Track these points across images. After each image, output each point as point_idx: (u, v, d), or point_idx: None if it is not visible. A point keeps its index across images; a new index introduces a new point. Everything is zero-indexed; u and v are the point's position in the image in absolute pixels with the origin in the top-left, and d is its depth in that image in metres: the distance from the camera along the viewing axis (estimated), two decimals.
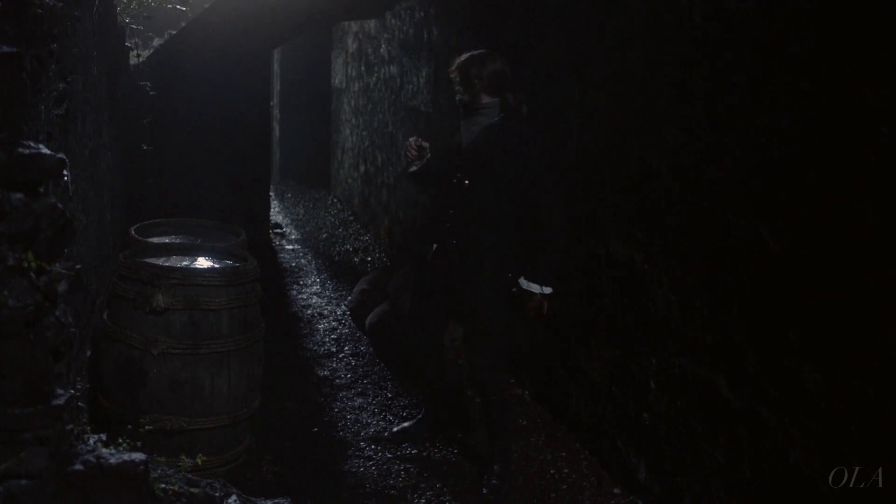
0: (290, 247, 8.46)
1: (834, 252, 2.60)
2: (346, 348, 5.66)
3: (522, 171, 3.69)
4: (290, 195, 11.12)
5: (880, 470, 2.42)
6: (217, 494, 2.09)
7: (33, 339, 1.73)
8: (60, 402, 1.76)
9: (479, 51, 3.88)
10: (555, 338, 4.54)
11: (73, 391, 1.94)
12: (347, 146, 9.97)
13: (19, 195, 1.77)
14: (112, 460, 1.81)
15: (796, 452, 2.75)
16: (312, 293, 6.92)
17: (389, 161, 8.05)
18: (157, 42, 7.66)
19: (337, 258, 8.09)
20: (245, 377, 3.75)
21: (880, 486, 2.42)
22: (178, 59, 6.65)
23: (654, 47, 3.54)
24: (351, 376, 5.19)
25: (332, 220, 9.65)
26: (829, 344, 2.62)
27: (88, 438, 2.19)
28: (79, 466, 1.78)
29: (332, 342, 5.77)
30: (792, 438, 2.77)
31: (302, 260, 7.99)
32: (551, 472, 4.05)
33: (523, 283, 3.72)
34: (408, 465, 4.10)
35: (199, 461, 3.38)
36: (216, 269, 3.78)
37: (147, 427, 3.50)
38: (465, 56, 3.84)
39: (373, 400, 4.86)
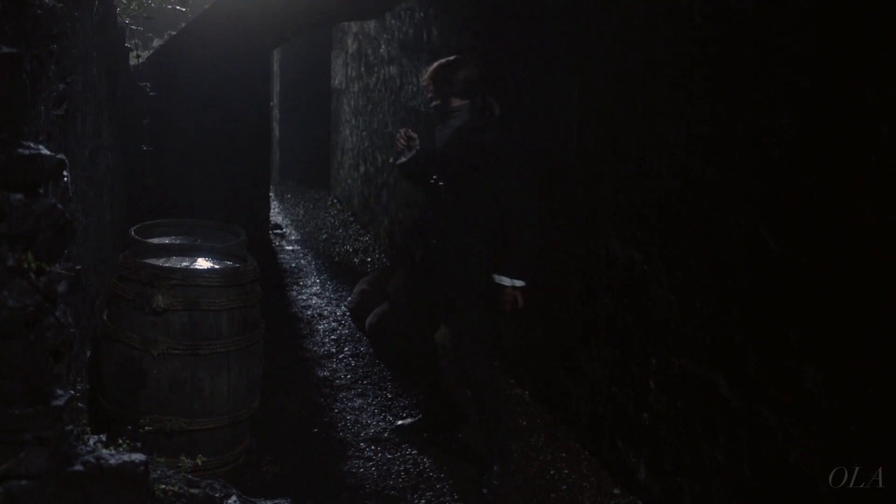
0: (290, 247, 8.46)
1: (834, 252, 2.60)
2: (346, 349, 5.66)
3: (489, 169, 3.78)
4: (289, 195, 11.12)
5: (880, 470, 2.42)
6: (217, 495, 2.09)
7: (33, 339, 1.73)
8: (60, 402, 1.76)
9: (449, 57, 4.02)
10: (555, 338, 4.54)
11: (72, 392, 1.94)
12: (347, 147, 9.97)
13: (19, 196, 1.77)
14: (112, 461, 1.81)
15: (796, 452, 2.75)
16: (312, 294, 6.92)
17: (389, 161, 8.05)
18: (156, 43, 7.66)
19: (337, 259, 8.09)
20: (245, 378, 3.75)
21: (880, 486, 2.42)
22: (178, 60, 6.65)
23: (654, 47, 3.54)
24: (351, 377, 5.19)
25: (332, 220, 9.65)
26: (829, 344, 2.62)
27: (88, 439, 2.19)
28: (79, 467, 1.78)
29: (332, 343, 5.77)
30: (792, 438, 2.77)
31: (302, 260, 7.99)
32: (551, 472, 4.05)
33: (496, 277, 3.82)
34: (408, 466, 4.10)
35: (199, 462, 3.38)
36: (216, 269, 3.78)
37: (147, 427, 3.50)
38: (435, 64, 3.99)
39: (373, 400, 4.86)
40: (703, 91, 3.21)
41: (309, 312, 6.41)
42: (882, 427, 2.43)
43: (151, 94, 6.32)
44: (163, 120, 6.43)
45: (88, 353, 3.77)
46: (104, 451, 1.88)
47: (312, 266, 7.81)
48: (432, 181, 3.93)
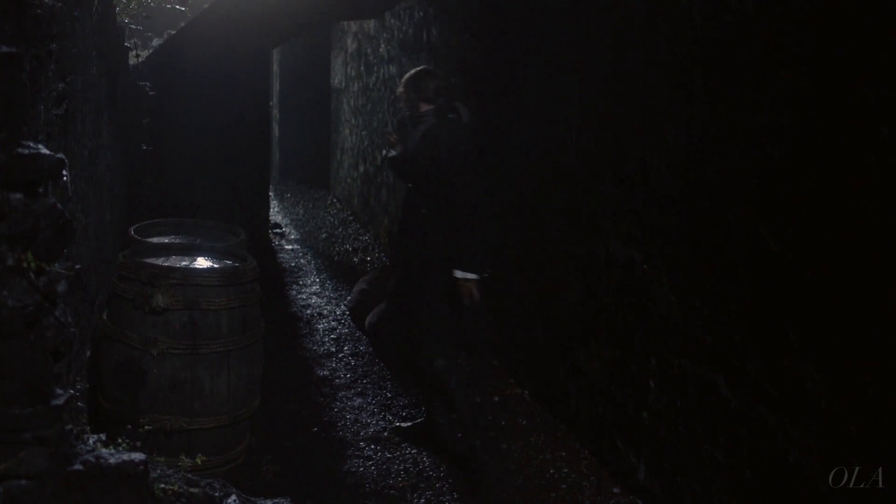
0: (290, 247, 8.46)
1: (834, 252, 2.60)
2: (346, 348, 5.66)
3: (445, 169, 3.98)
4: (289, 195, 11.12)
5: (880, 470, 2.42)
6: (217, 494, 2.09)
7: (33, 339, 1.73)
8: (60, 402, 1.76)
9: (418, 68, 4.42)
10: (555, 338, 4.54)
11: (72, 391, 1.94)
12: (347, 146, 9.97)
13: (18, 195, 1.77)
14: (112, 460, 1.81)
15: (796, 452, 2.75)
16: (312, 293, 6.92)
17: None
18: (156, 42, 7.66)
19: (336, 258, 8.09)
20: (244, 377, 3.75)
21: (880, 486, 2.42)
22: (178, 59, 6.65)
23: (654, 47, 3.54)
24: (350, 376, 5.19)
25: (332, 219, 9.65)
26: (829, 344, 2.62)
27: (88, 438, 2.19)
28: (78, 466, 1.78)
29: (332, 342, 5.77)
30: (792, 438, 2.77)
31: (301, 260, 7.99)
32: (551, 471, 4.05)
33: (455, 272, 4.02)
34: (407, 465, 4.10)
35: (198, 461, 3.38)
36: (216, 269, 3.78)
37: (147, 427, 3.50)
38: (406, 75, 4.29)
39: (372, 400, 4.86)
40: (703, 91, 3.21)
41: (308, 312, 6.41)
42: (882, 427, 2.44)
43: (151, 93, 6.32)
44: (162, 119, 6.43)
45: (88, 353, 3.76)
46: (104, 450, 1.88)
47: (312, 265, 7.81)
48: (406, 184, 4.25)
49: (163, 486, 2.00)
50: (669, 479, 3.50)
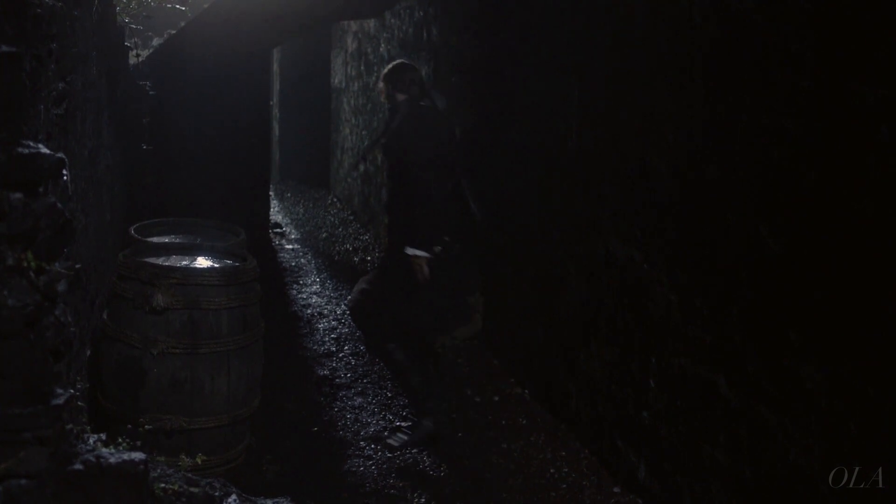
0: (290, 246, 8.46)
1: (834, 252, 2.60)
2: (346, 348, 5.66)
3: (401, 154, 4.28)
4: (289, 195, 11.12)
5: (880, 470, 2.42)
6: (217, 494, 2.09)
7: (33, 338, 1.73)
8: (60, 401, 1.76)
9: (395, 62, 4.61)
10: (555, 337, 4.54)
11: (72, 391, 1.94)
12: (347, 146, 9.97)
13: (19, 195, 1.77)
14: (112, 460, 1.81)
15: (796, 452, 2.75)
16: (312, 293, 6.92)
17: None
18: (156, 42, 7.66)
19: (337, 257, 8.09)
20: (245, 377, 3.75)
21: (880, 486, 2.42)
22: (178, 59, 6.65)
23: (654, 47, 3.54)
24: (351, 376, 5.19)
25: (332, 219, 9.65)
26: (829, 344, 2.62)
27: (88, 438, 2.19)
28: (79, 466, 1.78)
29: (332, 341, 5.77)
30: (792, 438, 2.77)
31: (302, 259, 7.99)
32: (551, 471, 4.05)
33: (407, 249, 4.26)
34: (408, 464, 4.10)
35: (198, 460, 3.38)
36: (216, 268, 3.78)
37: (147, 426, 3.50)
38: (384, 70, 4.54)
39: (372, 399, 4.86)
40: (703, 91, 3.21)
41: (309, 311, 6.41)
42: (882, 427, 2.44)
43: (151, 93, 6.32)
44: (162, 119, 6.43)
45: (88, 353, 3.76)
46: (104, 450, 1.88)
47: (312, 265, 7.81)
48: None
49: (163, 485, 2.01)
50: (669, 478, 3.50)
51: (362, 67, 9.02)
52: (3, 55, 1.84)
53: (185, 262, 3.85)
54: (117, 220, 5.01)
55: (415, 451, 4.23)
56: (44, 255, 1.81)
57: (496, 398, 4.86)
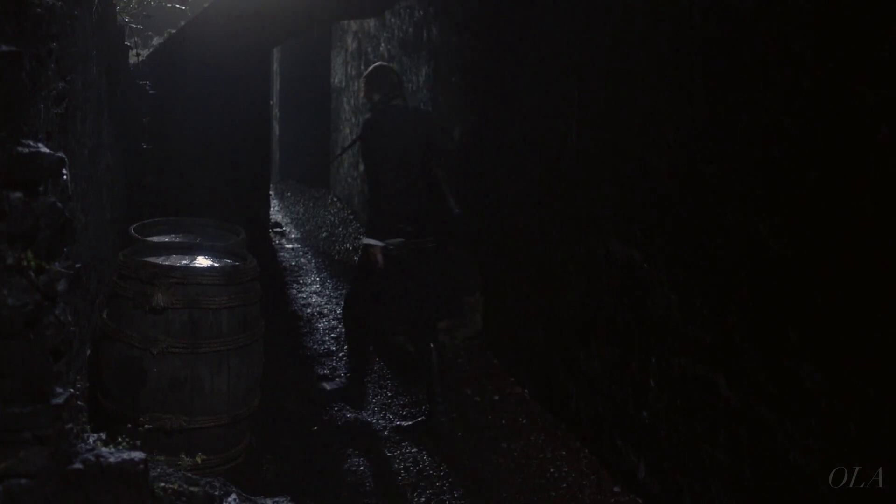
0: (290, 246, 8.46)
1: (834, 251, 2.60)
2: (346, 347, 5.65)
3: (364, 150, 4.55)
4: (289, 194, 11.12)
5: (880, 470, 2.42)
6: (216, 493, 2.09)
7: (33, 338, 1.73)
8: (60, 401, 1.76)
9: (373, 65, 4.84)
10: (555, 337, 4.54)
11: (72, 390, 1.94)
12: (347, 145, 9.96)
13: (18, 194, 1.77)
14: (112, 459, 1.81)
15: (796, 452, 2.76)
16: (312, 292, 6.92)
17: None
18: (156, 41, 7.66)
19: (337, 257, 8.08)
20: (245, 376, 3.75)
21: (880, 486, 2.42)
22: (178, 58, 6.64)
23: (654, 47, 3.54)
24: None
25: (332, 218, 9.65)
26: (829, 344, 2.62)
27: (88, 437, 2.19)
28: (78, 465, 1.78)
29: (332, 341, 5.76)
30: (792, 438, 2.77)
31: (302, 259, 7.98)
32: (551, 470, 4.05)
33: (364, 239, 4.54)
34: (407, 464, 4.10)
35: (198, 460, 3.37)
36: (216, 267, 3.78)
37: (147, 426, 3.50)
38: (364, 72, 4.80)
39: (372, 399, 4.86)
40: (703, 91, 3.21)
41: (309, 311, 6.41)
42: (882, 427, 2.44)
43: (151, 92, 6.32)
44: (162, 118, 6.42)
45: (88, 352, 3.76)
46: (104, 449, 1.88)
47: (312, 264, 7.80)
48: None
49: (163, 484, 2.01)
50: (669, 478, 3.50)
51: (362, 67, 9.02)
52: (3, 55, 1.84)
53: (185, 262, 3.85)
54: (117, 219, 5.01)
55: (415, 449, 4.23)
56: (44, 255, 1.81)
57: (496, 398, 4.86)
